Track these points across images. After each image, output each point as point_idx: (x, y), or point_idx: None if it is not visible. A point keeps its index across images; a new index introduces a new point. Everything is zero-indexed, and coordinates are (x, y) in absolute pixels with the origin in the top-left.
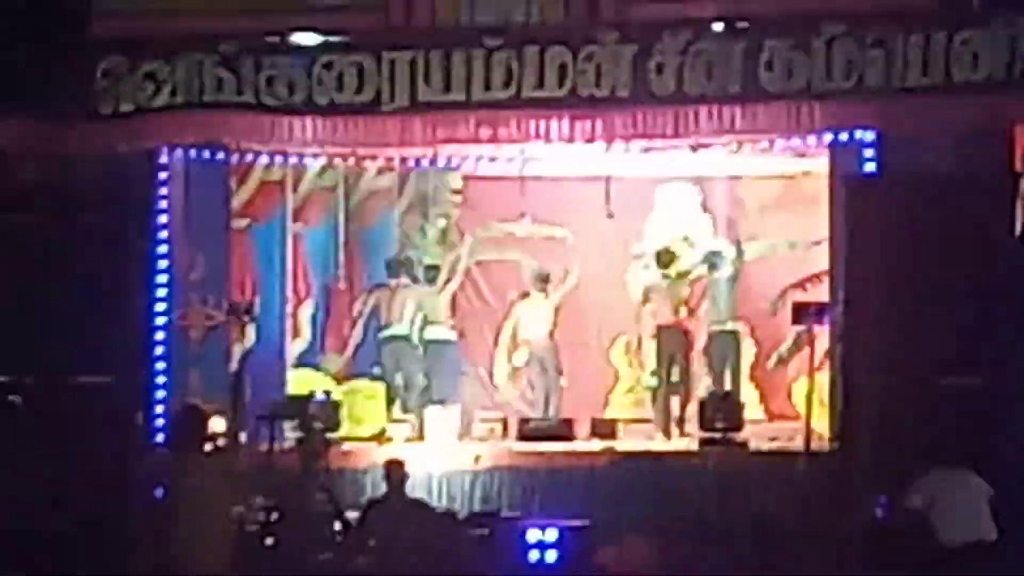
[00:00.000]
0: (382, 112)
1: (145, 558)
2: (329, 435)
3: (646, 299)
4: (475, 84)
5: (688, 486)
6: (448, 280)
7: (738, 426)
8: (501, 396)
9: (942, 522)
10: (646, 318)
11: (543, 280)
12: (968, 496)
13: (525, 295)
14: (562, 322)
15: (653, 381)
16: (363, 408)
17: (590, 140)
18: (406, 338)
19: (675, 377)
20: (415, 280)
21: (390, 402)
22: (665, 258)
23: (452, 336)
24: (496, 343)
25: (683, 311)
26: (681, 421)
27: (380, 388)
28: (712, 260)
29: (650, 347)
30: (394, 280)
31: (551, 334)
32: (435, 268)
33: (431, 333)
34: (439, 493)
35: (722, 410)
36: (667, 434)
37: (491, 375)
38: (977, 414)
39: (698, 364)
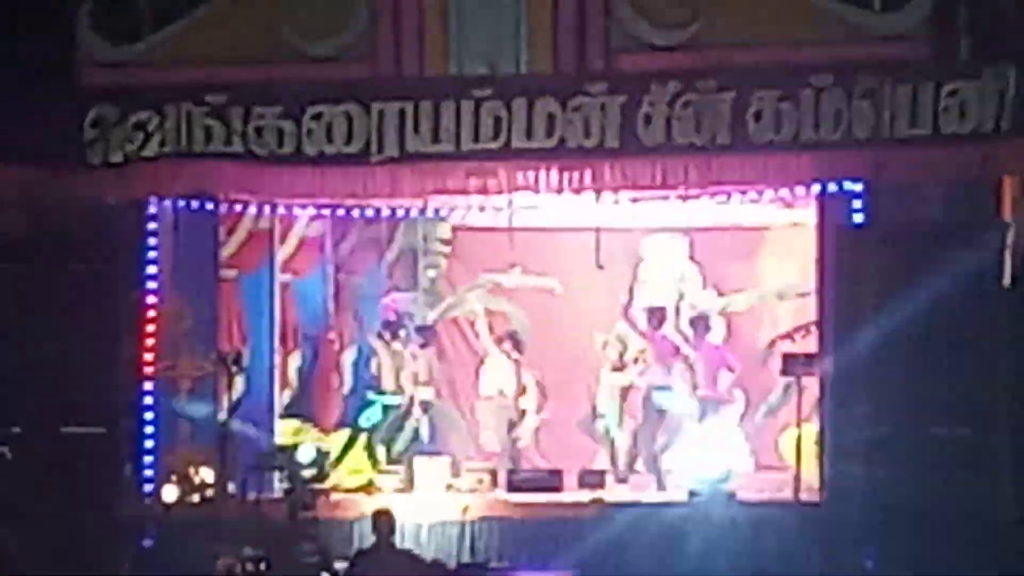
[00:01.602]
0: (371, 163)
1: None
2: (317, 485)
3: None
4: (464, 135)
5: (677, 536)
6: (436, 332)
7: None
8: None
9: None
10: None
11: (508, 339)
12: None
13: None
14: (550, 373)
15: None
16: (351, 458)
17: (579, 191)
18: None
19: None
20: (405, 341)
21: (371, 453)
22: (658, 315)
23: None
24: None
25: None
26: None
27: (362, 439)
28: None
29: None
30: (382, 344)
31: (516, 393)
32: (429, 328)
33: (423, 394)
34: (428, 543)
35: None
36: (661, 486)
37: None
38: (966, 465)
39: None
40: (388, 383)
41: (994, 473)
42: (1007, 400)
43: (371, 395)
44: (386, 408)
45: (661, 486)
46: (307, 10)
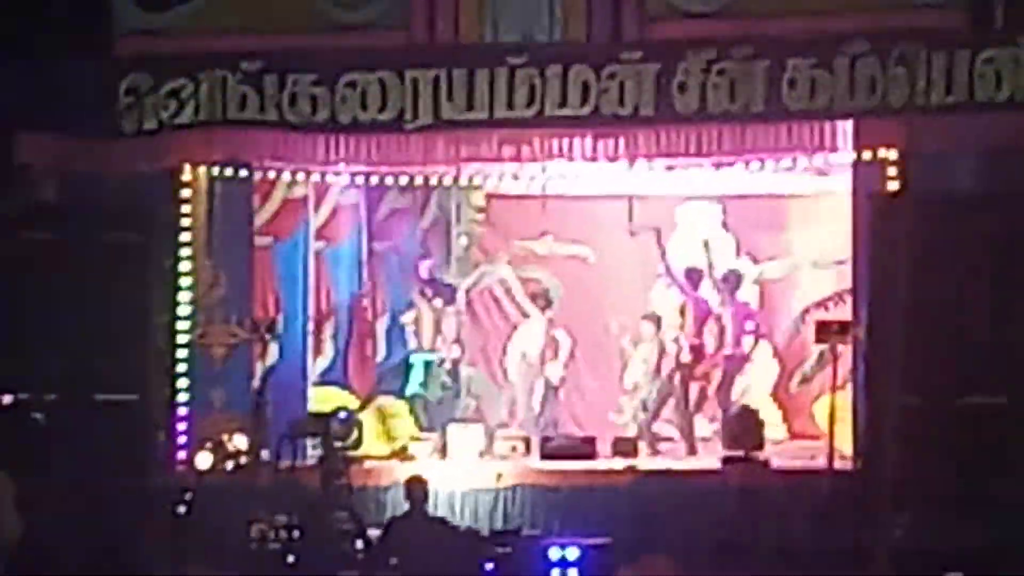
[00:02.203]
0: (405, 130)
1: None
2: (351, 453)
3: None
4: (498, 102)
5: (710, 504)
6: (469, 300)
7: (759, 444)
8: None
9: None
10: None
11: (541, 297)
12: None
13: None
14: (583, 341)
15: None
16: (386, 425)
17: (613, 159)
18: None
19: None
20: (441, 297)
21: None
22: (694, 276)
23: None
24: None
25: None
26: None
27: (402, 406)
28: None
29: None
30: (423, 301)
31: (543, 354)
32: (453, 288)
33: (454, 352)
34: (461, 511)
35: (745, 428)
36: (692, 451)
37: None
38: (1000, 434)
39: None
40: (427, 341)
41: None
42: None
43: (413, 357)
44: (428, 364)
45: (693, 451)
46: None
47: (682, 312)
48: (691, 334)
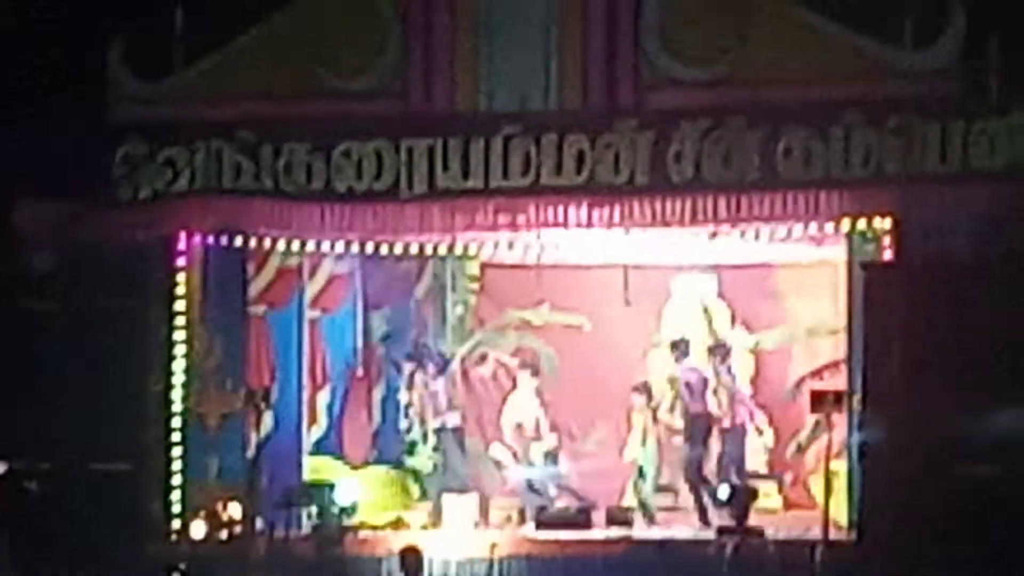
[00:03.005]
0: (400, 199)
1: None
2: (346, 523)
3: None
4: (493, 171)
5: (706, 574)
6: (465, 369)
7: (745, 516)
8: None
9: None
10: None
11: (529, 366)
12: None
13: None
14: (579, 410)
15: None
16: (380, 495)
17: (608, 227)
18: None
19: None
20: (424, 368)
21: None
22: (681, 347)
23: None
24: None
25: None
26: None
27: (397, 475)
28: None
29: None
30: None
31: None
32: (445, 358)
33: (454, 420)
34: None
35: (735, 502)
36: (704, 518)
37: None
38: (996, 503)
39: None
40: (420, 411)
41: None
42: None
43: (414, 432)
44: (428, 435)
45: (704, 518)
46: (337, 47)
47: (688, 384)
48: (697, 403)
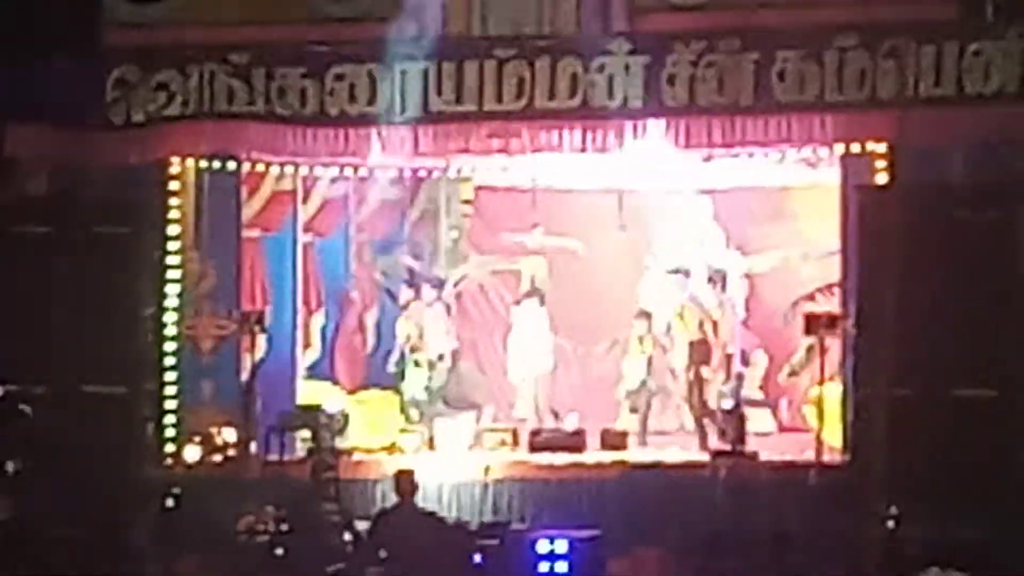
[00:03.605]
0: (394, 123)
1: (155, 567)
2: (339, 446)
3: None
4: (487, 95)
5: (699, 498)
6: (459, 293)
7: (741, 439)
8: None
9: None
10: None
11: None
12: None
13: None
14: (574, 333)
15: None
16: (374, 419)
17: (601, 151)
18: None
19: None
20: (416, 290)
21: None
22: (683, 273)
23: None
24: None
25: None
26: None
27: (391, 398)
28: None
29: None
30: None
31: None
32: (440, 282)
33: (451, 345)
34: (450, 504)
35: (729, 424)
36: (704, 443)
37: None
38: (989, 425)
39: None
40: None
41: (1018, 434)
42: None
43: (411, 356)
44: (421, 362)
45: (705, 443)
46: None
47: (681, 313)
48: (695, 331)
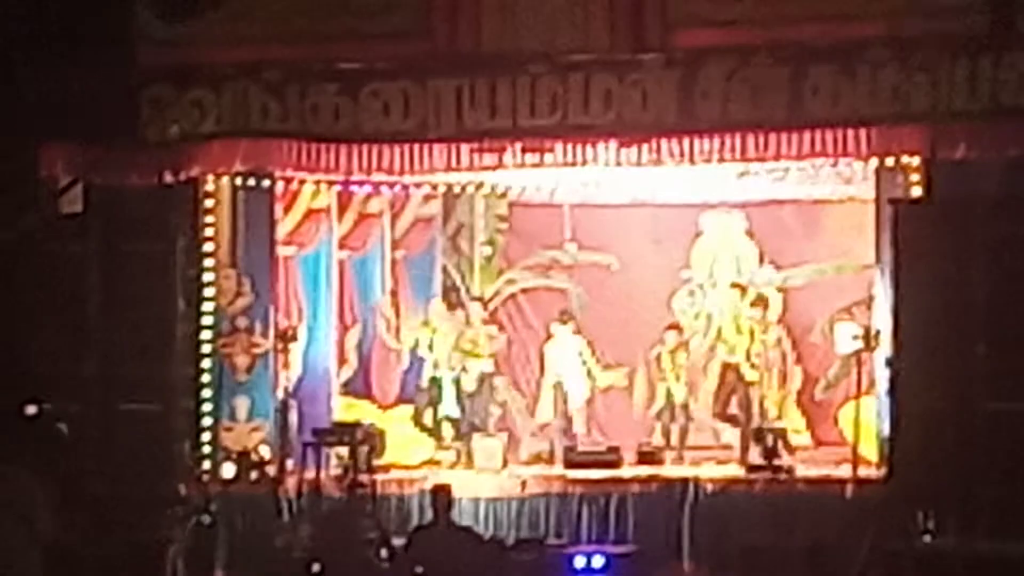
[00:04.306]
0: (428, 139)
1: None
2: (375, 462)
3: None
4: (520, 110)
5: (735, 513)
6: (493, 310)
7: (775, 454)
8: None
9: None
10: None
11: (567, 315)
12: None
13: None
14: (608, 349)
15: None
16: (410, 435)
17: (636, 165)
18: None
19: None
20: (458, 307)
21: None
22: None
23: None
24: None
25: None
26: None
27: (428, 414)
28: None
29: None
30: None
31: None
32: (481, 299)
33: (486, 366)
34: (485, 520)
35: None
36: (745, 460)
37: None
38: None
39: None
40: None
41: None
42: None
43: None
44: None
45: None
46: None
47: (739, 328)
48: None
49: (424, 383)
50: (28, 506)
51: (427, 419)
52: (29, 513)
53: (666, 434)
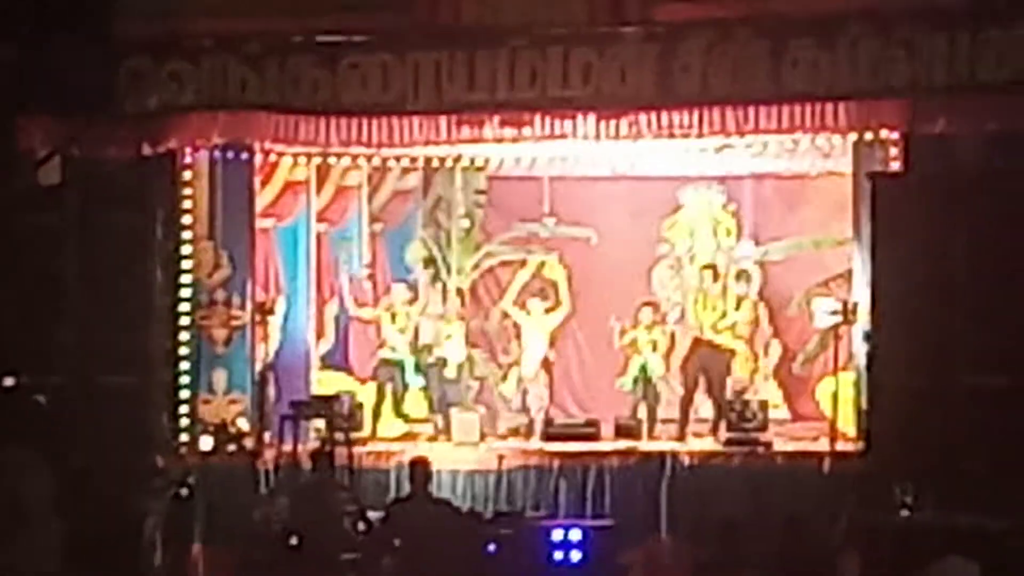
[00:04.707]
0: (407, 112)
1: (169, 556)
2: (353, 435)
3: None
4: (499, 84)
5: (713, 487)
6: (472, 282)
7: (763, 427)
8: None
9: None
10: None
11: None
12: None
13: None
14: (586, 325)
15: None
16: (388, 407)
17: (615, 139)
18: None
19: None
20: (439, 280)
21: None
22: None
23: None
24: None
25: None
26: (715, 428)
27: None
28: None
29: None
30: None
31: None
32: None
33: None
34: (463, 493)
35: (747, 411)
36: (682, 438)
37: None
38: (1004, 413)
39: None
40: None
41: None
42: None
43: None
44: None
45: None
46: None
47: (712, 304)
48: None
49: (376, 363)
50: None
51: (388, 397)
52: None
53: (647, 409)
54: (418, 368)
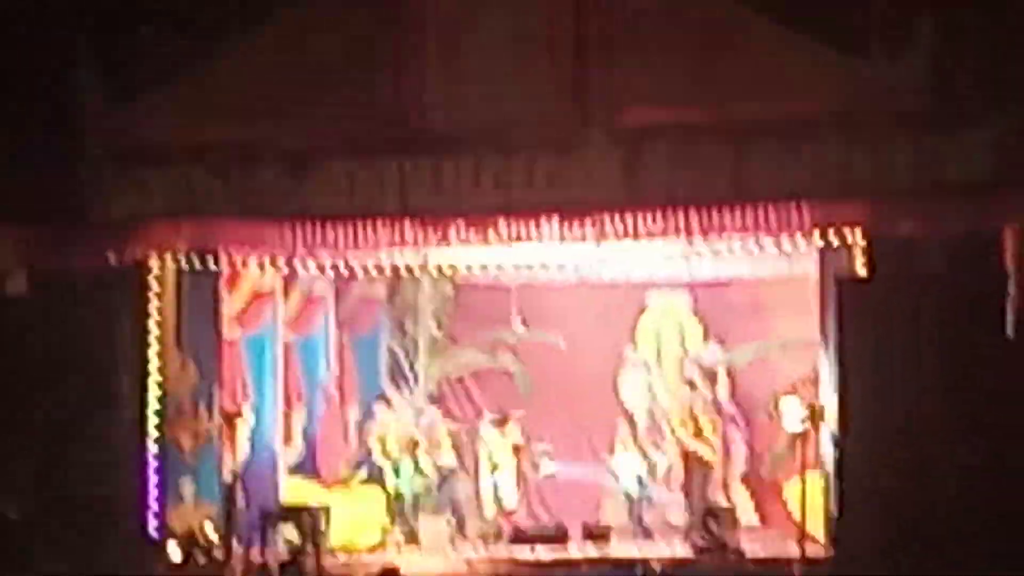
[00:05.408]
0: (372, 216)
1: None
2: (322, 544)
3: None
4: (464, 188)
5: None
6: (441, 389)
7: (733, 532)
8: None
9: None
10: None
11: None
12: None
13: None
14: (555, 430)
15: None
16: (357, 515)
17: (580, 241)
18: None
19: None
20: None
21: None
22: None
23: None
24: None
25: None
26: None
27: (375, 494)
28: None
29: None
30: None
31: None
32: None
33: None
34: None
35: (719, 517)
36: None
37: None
38: (972, 517)
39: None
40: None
41: (1006, 526)
42: (1012, 448)
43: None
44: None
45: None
46: (307, 68)
47: (692, 413)
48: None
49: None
50: None
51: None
52: None
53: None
54: (397, 473)
